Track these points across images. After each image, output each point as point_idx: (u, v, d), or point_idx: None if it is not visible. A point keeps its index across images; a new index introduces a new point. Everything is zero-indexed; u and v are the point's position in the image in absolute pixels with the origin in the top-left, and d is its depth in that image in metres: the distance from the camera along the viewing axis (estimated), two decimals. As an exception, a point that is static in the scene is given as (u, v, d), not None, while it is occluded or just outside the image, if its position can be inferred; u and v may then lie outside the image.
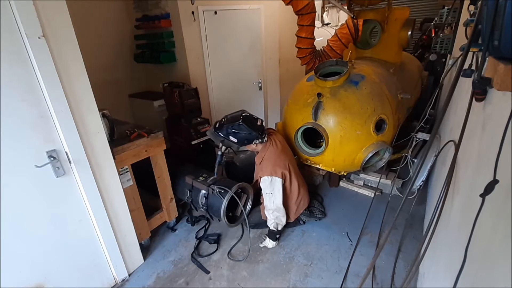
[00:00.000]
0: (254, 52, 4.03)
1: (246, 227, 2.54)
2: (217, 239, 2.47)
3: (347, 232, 2.50)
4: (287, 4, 2.61)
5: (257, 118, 2.30)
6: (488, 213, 0.80)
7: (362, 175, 3.12)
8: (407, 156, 2.83)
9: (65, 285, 1.78)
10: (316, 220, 2.64)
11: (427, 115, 2.72)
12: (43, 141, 1.53)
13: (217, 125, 2.28)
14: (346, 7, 3.04)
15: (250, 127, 2.19)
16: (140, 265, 2.25)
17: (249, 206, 2.52)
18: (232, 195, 2.29)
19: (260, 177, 2.27)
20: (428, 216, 2.27)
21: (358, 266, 2.14)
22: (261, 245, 2.39)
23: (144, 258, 2.29)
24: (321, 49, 3.05)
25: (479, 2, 1.08)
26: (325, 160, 2.52)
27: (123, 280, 2.12)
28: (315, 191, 3.07)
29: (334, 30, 2.99)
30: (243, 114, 2.24)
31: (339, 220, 2.66)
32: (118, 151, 1.96)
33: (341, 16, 6.00)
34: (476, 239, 0.84)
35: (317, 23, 5.04)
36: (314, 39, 2.91)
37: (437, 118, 3.42)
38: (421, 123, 2.75)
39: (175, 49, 3.56)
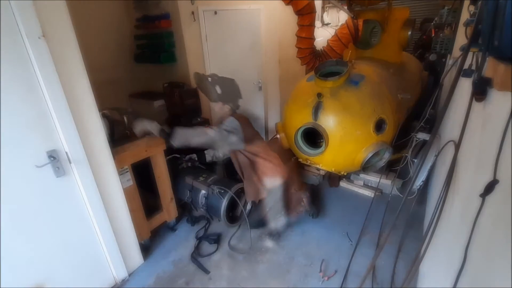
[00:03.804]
0: (254, 52, 4.03)
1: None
2: (217, 239, 2.47)
3: (347, 232, 2.49)
4: (287, 4, 2.61)
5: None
6: (488, 213, 0.80)
7: (362, 175, 3.12)
8: (407, 156, 2.82)
9: (65, 285, 1.78)
10: (310, 214, 2.61)
11: (427, 115, 2.72)
12: (43, 141, 1.53)
13: (210, 74, 2.41)
14: (346, 7, 3.04)
15: (237, 91, 2.41)
16: (140, 265, 2.25)
17: (249, 206, 2.52)
18: (232, 195, 2.29)
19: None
20: (428, 216, 2.27)
21: (358, 266, 2.14)
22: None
23: (144, 258, 2.29)
24: (321, 49, 3.05)
25: (479, 2, 1.08)
26: (325, 160, 2.52)
27: (123, 280, 2.12)
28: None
29: (334, 30, 2.99)
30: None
31: (339, 220, 2.66)
32: (118, 151, 1.96)
33: (341, 16, 5.97)
34: (476, 239, 0.84)
35: (317, 23, 5.04)
36: (314, 39, 2.91)
37: (437, 118, 3.42)
38: (421, 123, 2.75)
39: (175, 49, 3.56)
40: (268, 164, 2.33)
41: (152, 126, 2.14)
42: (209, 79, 2.32)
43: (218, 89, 2.29)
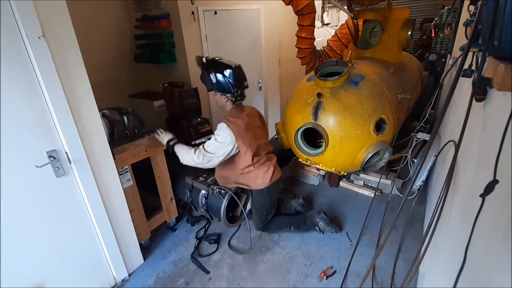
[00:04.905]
0: (254, 52, 4.03)
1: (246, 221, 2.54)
2: (217, 239, 2.47)
3: (347, 232, 2.49)
4: (287, 4, 2.62)
5: (246, 83, 2.18)
6: (488, 213, 0.80)
7: (362, 175, 3.12)
8: (407, 156, 2.82)
9: (65, 285, 1.78)
10: (332, 232, 2.46)
11: (427, 115, 2.72)
12: (43, 141, 1.53)
13: (208, 58, 2.15)
14: (346, 7, 3.05)
15: (235, 79, 2.07)
16: (140, 265, 2.25)
17: (249, 206, 2.52)
18: (232, 195, 2.30)
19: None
20: (428, 216, 2.27)
21: (358, 266, 2.14)
22: None
23: (144, 258, 2.29)
24: (321, 49, 3.05)
25: (479, 2, 1.08)
26: (325, 160, 2.52)
27: (123, 280, 2.12)
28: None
29: (334, 30, 2.99)
30: (238, 65, 2.14)
31: (339, 220, 2.66)
32: (118, 151, 1.96)
33: (341, 16, 5.99)
34: (476, 239, 0.84)
35: (317, 23, 5.04)
36: (314, 39, 2.91)
37: (437, 118, 3.42)
38: (421, 123, 2.75)
39: (175, 49, 3.56)
40: (259, 171, 2.24)
41: (162, 138, 2.22)
42: (207, 65, 2.12)
43: (213, 77, 2.07)
